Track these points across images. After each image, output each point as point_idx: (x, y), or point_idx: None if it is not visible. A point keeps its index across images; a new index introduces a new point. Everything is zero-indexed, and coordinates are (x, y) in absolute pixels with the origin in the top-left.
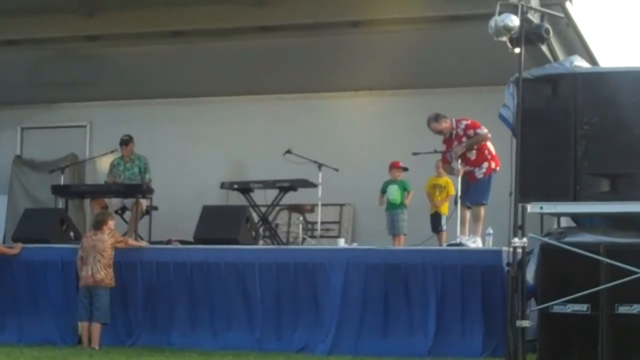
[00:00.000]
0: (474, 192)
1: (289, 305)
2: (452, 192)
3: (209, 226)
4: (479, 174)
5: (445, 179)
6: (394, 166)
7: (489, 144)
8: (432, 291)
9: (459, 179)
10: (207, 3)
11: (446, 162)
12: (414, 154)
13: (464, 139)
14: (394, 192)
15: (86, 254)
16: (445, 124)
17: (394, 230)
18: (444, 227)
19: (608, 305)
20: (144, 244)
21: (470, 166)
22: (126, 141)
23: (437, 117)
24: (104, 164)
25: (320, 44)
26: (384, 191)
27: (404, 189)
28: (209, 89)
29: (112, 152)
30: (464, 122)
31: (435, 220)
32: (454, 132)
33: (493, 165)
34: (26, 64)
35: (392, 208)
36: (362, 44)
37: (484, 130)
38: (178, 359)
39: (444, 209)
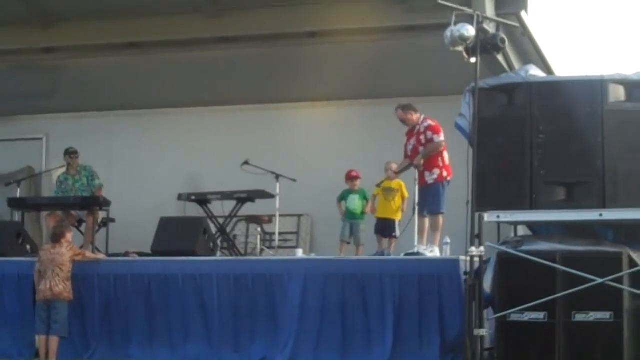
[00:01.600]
0: (430, 201)
1: (247, 317)
2: (406, 195)
3: (167, 238)
4: (430, 179)
5: (398, 182)
6: (350, 176)
7: (445, 153)
8: (390, 301)
9: (416, 186)
10: (164, 14)
11: (406, 156)
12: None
13: (422, 137)
14: (354, 202)
15: (44, 268)
16: (410, 116)
17: (355, 241)
18: (397, 233)
19: (565, 313)
20: (101, 256)
21: (422, 167)
22: (74, 153)
23: (405, 107)
24: None
25: (277, 55)
26: (343, 199)
27: (364, 198)
28: (167, 101)
29: (67, 164)
30: (428, 122)
31: (387, 224)
32: (417, 127)
33: (445, 174)
34: None
35: (353, 218)
36: (320, 54)
37: (440, 137)
38: None
39: (398, 215)
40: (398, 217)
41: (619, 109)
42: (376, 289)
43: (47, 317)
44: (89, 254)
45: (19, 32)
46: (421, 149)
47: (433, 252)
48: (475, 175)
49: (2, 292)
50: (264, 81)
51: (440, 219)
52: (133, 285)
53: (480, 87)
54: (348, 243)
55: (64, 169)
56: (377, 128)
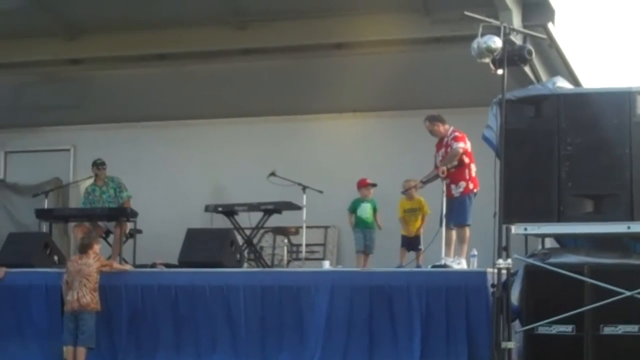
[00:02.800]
0: (456, 214)
1: (274, 328)
2: (427, 211)
3: (194, 249)
4: (456, 191)
5: (418, 200)
6: (363, 184)
7: (472, 166)
8: (417, 313)
9: (443, 199)
10: (191, 26)
11: (435, 167)
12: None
13: (449, 149)
14: (367, 211)
15: (72, 279)
16: (437, 127)
17: (367, 250)
18: (422, 247)
19: (593, 326)
20: (128, 267)
21: (448, 180)
22: (102, 164)
23: (432, 118)
24: None
25: (303, 66)
26: (353, 210)
27: (374, 207)
28: (193, 112)
29: (95, 175)
30: (454, 133)
31: (410, 240)
32: (446, 138)
33: (471, 186)
34: (10, 88)
35: (365, 227)
36: (346, 66)
37: (459, 144)
38: None
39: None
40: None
41: None
42: (403, 301)
43: (75, 328)
44: (116, 265)
45: (46, 44)
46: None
47: (460, 265)
48: (502, 187)
49: (29, 303)
50: (290, 93)
51: (467, 231)
52: (160, 296)
53: (507, 99)
54: (365, 253)
55: (91, 180)
56: (404, 140)
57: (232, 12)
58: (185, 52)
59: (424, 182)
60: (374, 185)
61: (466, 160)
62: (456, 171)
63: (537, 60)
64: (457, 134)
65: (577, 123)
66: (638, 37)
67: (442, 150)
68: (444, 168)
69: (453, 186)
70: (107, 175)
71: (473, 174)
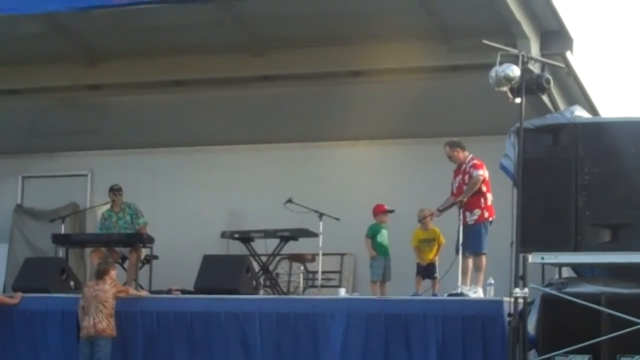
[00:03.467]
0: (472, 242)
1: (290, 356)
2: (443, 241)
3: (210, 275)
4: (470, 219)
5: (433, 230)
6: (380, 210)
7: (488, 195)
8: (433, 342)
9: (460, 227)
10: (208, 53)
11: (452, 194)
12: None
13: (467, 177)
14: (386, 236)
15: (88, 304)
16: (456, 153)
17: (385, 277)
18: (437, 275)
19: (609, 356)
20: (144, 293)
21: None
22: (119, 190)
23: (452, 144)
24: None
25: (321, 94)
26: (372, 236)
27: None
28: (210, 138)
29: (113, 201)
30: (473, 160)
31: (425, 268)
32: (464, 165)
33: (486, 214)
34: (27, 113)
35: (386, 253)
36: (363, 94)
37: (479, 172)
38: None
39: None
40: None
41: None
42: (419, 330)
43: (90, 354)
44: (132, 291)
45: (65, 69)
46: (465, 187)
47: (477, 293)
48: (519, 216)
49: (45, 328)
50: (307, 119)
51: (484, 259)
52: (176, 322)
53: (525, 127)
54: (383, 281)
55: (108, 206)
56: (421, 167)
57: (249, 39)
58: (202, 78)
59: (441, 211)
60: (391, 211)
61: (483, 188)
62: (471, 199)
63: (555, 89)
64: (476, 161)
65: (594, 152)
66: None
67: (460, 176)
68: (464, 199)
69: (468, 213)
70: (123, 201)
71: (489, 203)
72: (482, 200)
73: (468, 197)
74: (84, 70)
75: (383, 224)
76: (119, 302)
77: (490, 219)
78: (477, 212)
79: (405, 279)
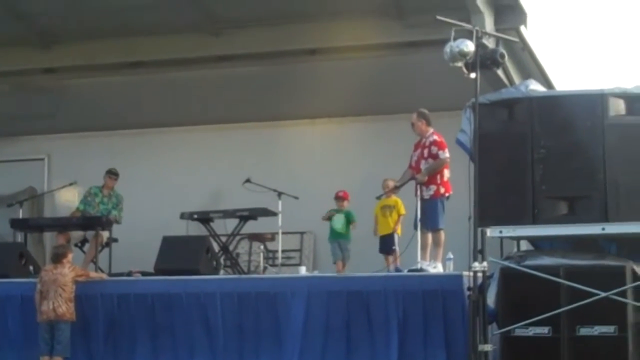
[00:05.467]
0: (429, 218)
1: (251, 335)
2: (403, 212)
3: (170, 257)
4: (426, 194)
5: (395, 199)
6: (337, 196)
7: (445, 171)
8: (394, 317)
9: (418, 203)
10: (165, 33)
11: (410, 167)
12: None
13: (425, 151)
14: (340, 222)
15: (46, 288)
16: (419, 124)
17: (342, 259)
18: (396, 247)
19: (569, 327)
20: (104, 276)
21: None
22: (115, 174)
23: (419, 114)
24: (63, 196)
25: (277, 72)
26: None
27: (349, 219)
28: (168, 119)
29: (70, 184)
30: (434, 137)
31: (386, 241)
32: (424, 139)
33: (442, 190)
34: None
35: (338, 237)
36: (319, 72)
37: (445, 154)
38: None
39: (398, 230)
40: (397, 232)
41: (620, 123)
42: (380, 306)
43: (50, 339)
44: (92, 274)
45: (20, 53)
46: (423, 162)
47: (436, 268)
48: (476, 190)
49: (5, 314)
50: (264, 99)
51: (442, 234)
52: (137, 304)
53: (480, 102)
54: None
55: (68, 188)
56: (378, 144)
57: (206, 19)
58: (159, 59)
59: (398, 187)
60: (345, 198)
61: None
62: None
63: (510, 64)
64: (436, 137)
65: (550, 126)
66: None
67: (419, 150)
68: (425, 178)
69: (424, 188)
70: (114, 189)
71: (445, 179)
72: (439, 176)
73: (428, 176)
74: (39, 54)
75: (341, 208)
76: (79, 286)
77: (447, 194)
78: (433, 187)
79: (367, 258)
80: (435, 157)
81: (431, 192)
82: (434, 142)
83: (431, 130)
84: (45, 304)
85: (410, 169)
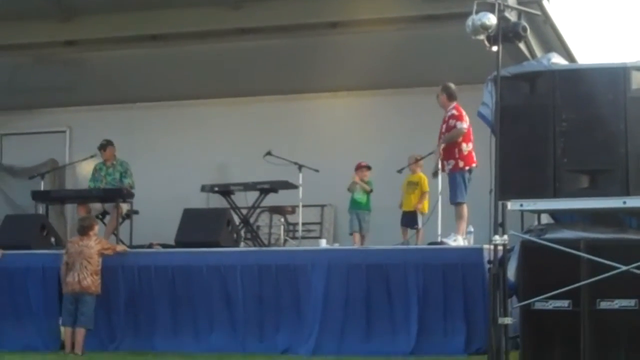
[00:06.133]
0: (450, 191)
1: (272, 307)
2: (426, 189)
3: (190, 229)
4: (447, 168)
5: (419, 175)
6: (360, 166)
7: (463, 145)
8: (414, 290)
9: (439, 176)
10: (185, 6)
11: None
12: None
13: (444, 125)
14: (360, 192)
15: (72, 260)
16: (441, 98)
17: (361, 231)
18: (420, 225)
19: (589, 301)
20: (126, 249)
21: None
22: (104, 146)
23: (442, 87)
24: (84, 169)
25: (298, 45)
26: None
27: (370, 189)
28: (188, 92)
29: (91, 157)
30: (453, 111)
31: (409, 217)
32: (445, 114)
33: (461, 164)
34: (4, 70)
35: (358, 208)
36: (340, 45)
37: (463, 124)
38: None
39: (423, 208)
40: (421, 210)
41: None
42: (400, 279)
43: (75, 310)
44: (119, 247)
45: (41, 26)
46: (443, 137)
47: (456, 241)
48: (498, 163)
49: (27, 285)
50: (285, 72)
51: (463, 208)
52: (157, 277)
53: (502, 75)
54: (359, 233)
55: (89, 161)
56: (399, 117)
57: None
58: (179, 32)
59: (418, 160)
60: (368, 168)
61: (458, 138)
62: (445, 149)
63: (532, 37)
64: (454, 111)
65: (572, 99)
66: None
67: (441, 125)
68: (439, 148)
69: (445, 162)
70: (116, 157)
71: (464, 152)
72: (456, 150)
73: (444, 145)
74: (60, 26)
75: (363, 178)
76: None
77: (467, 167)
78: (452, 162)
79: (387, 230)
80: (454, 128)
81: (450, 167)
82: (452, 116)
83: (453, 104)
84: (71, 276)
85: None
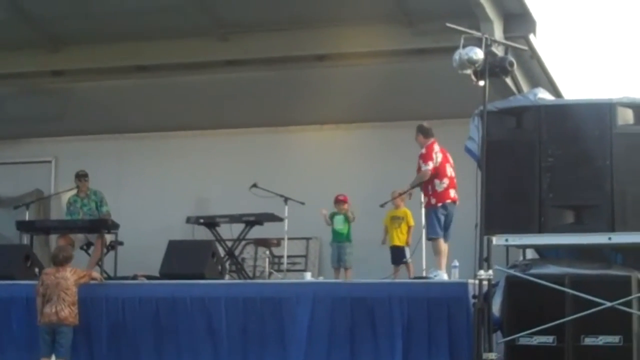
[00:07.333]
0: (425, 227)
1: (256, 340)
2: (412, 223)
3: (175, 261)
4: (424, 204)
5: (404, 210)
6: (337, 200)
7: (436, 181)
8: (398, 324)
9: (421, 210)
10: (172, 38)
11: None
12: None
13: (417, 164)
14: (340, 222)
15: (50, 292)
16: (418, 137)
17: (340, 264)
18: (409, 259)
19: (574, 336)
20: (98, 275)
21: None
22: (84, 176)
23: (417, 128)
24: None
25: (285, 78)
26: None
27: (348, 219)
28: (175, 123)
29: (77, 187)
30: (422, 150)
31: (397, 252)
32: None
33: (433, 201)
34: None
35: (339, 239)
36: (327, 77)
37: (427, 166)
38: None
39: (408, 242)
40: (407, 244)
41: (628, 132)
42: (385, 313)
43: (52, 341)
44: (94, 274)
45: (28, 56)
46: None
47: (437, 277)
48: (483, 198)
49: (10, 315)
50: (272, 104)
51: (439, 243)
52: (141, 308)
53: (488, 110)
54: (338, 268)
55: (74, 192)
56: (385, 151)
57: (213, 24)
58: (167, 63)
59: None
60: (344, 201)
61: None
62: (422, 185)
63: (519, 72)
64: (423, 151)
65: (558, 134)
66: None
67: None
68: (409, 190)
69: (425, 198)
70: (89, 187)
71: (438, 189)
72: (429, 187)
73: (413, 188)
74: (47, 56)
75: (341, 211)
76: (83, 289)
77: (439, 204)
78: (426, 199)
79: (371, 265)
80: (419, 170)
81: (424, 203)
82: (420, 155)
83: (429, 141)
84: (48, 307)
85: None
